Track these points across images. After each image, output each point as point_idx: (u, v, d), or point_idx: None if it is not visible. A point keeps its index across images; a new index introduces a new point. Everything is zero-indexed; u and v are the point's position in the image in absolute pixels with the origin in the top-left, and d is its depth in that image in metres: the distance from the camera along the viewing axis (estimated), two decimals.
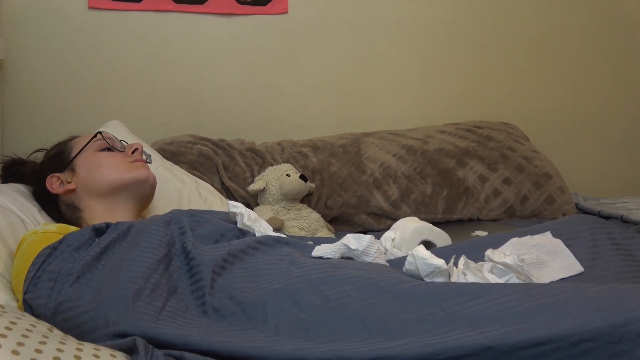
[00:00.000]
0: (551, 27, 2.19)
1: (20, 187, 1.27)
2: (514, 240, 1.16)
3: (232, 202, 1.15)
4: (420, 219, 1.67)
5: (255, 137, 1.86)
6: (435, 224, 1.56)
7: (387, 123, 2.03)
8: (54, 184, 1.22)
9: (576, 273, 1.11)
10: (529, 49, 2.18)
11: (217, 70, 1.94)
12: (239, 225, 1.12)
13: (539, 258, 1.12)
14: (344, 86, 2.04)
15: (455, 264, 1.04)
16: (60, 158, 1.26)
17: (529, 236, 1.18)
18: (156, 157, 1.49)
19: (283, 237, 1.05)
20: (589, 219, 1.24)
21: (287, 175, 1.58)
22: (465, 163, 1.80)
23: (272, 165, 1.68)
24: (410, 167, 1.76)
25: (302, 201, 1.65)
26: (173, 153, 1.61)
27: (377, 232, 1.53)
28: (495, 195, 1.76)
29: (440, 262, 0.95)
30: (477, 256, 1.07)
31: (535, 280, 1.03)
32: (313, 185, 1.66)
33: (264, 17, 1.95)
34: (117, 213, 1.18)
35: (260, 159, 1.72)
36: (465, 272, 1.01)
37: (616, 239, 1.20)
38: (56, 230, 1.06)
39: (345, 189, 1.69)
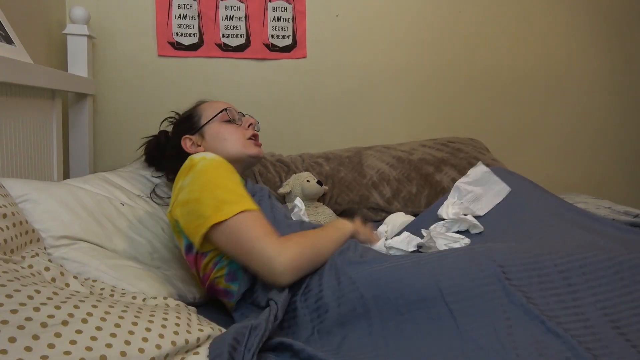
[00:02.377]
0: (505, 65, 2.23)
1: (105, 175, 1.29)
2: (456, 185, 1.18)
3: (298, 199, 1.24)
4: (407, 212, 1.73)
5: (282, 151, 1.91)
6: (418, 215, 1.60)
7: (383, 139, 2.08)
8: (187, 144, 1.22)
9: (506, 194, 1.13)
10: (488, 82, 2.22)
11: (254, 101, 1.98)
12: (294, 217, 1.18)
13: (475, 193, 1.14)
14: (349, 112, 2.09)
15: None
16: (191, 122, 1.25)
17: (464, 177, 1.20)
18: None
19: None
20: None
21: (307, 181, 1.59)
22: (441, 169, 1.82)
23: (295, 172, 1.70)
24: (400, 172, 1.79)
25: (318, 200, 1.67)
26: None
27: (376, 222, 1.56)
28: None
29: (407, 248, 1.07)
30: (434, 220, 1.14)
31: (477, 212, 1.08)
32: (326, 187, 1.69)
33: (289, 61, 1.99)
34: None
35: (286, 167, 1.75)
36: (434, 240, 1.05)
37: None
38: (219, 160, 1.03)
39: (350, 189, 1.72)
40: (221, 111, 1.23)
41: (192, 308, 0.88)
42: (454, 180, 1.78)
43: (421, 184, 1.77)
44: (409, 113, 2.15)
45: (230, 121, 1.23)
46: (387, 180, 1.75)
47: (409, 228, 1.23)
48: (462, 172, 1.81)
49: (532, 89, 2.26)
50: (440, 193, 1.76)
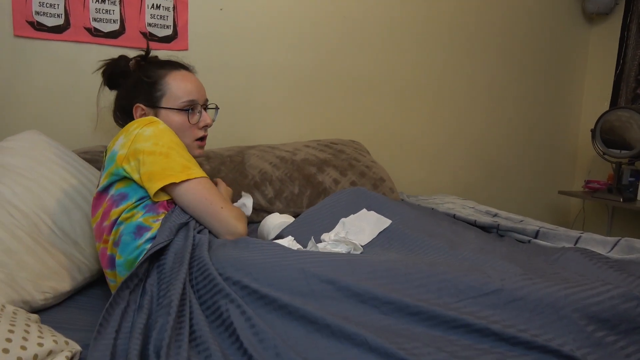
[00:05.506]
0: (387, 72, 2.35)
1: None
2: (342, 220, 1.27)
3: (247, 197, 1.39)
4: (290, 212, 1.74)
5: None
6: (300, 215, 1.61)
7: (266, 139, 2.08)
8: (138, 113, 1.24)
9: (387, 225, 1.27)
10: (370, 89, 2.32)
11: None
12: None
13: (359, 227, 1.25)
14: (233, 109, 2.05)
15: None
16: (152, 93, 1.25)
17: (352, 215, 1.30)
18: None
19: None
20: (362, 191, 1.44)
21: None
22: (323, 170, 1.87)
23: None
24: (283, 172, 1.80)
25: None
26: (89, 160, 1.54)
27: (257, 224, 1.55)
28: None
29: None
30: (313, 228, 1.22)
31: (358, 242, 1.17)
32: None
33: (168, 52, 1.91)
34: None
35: None
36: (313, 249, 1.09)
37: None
38: (169, 129, 1.14)
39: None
40: (186, 109, 1.25)
41: (34, 316, 0.80)
42: (336, 182, 1.85)
43: (303, 185, 1.79)
44: (294, 113, 2.18)
45: (188, 114, 1.26)
46: (269, 180, 1.75)
47: (291, 232, 1.25)
48: (344, 173, 1.88)
49: (412, 97, 2.42)
50: (322, 193, 1.81)
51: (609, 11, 2.67)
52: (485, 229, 1.66)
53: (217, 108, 1.41)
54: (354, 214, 1.34)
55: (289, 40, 2.13)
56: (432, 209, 1.86)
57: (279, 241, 1.08)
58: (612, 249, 1.48)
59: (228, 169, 1.73)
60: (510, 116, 2.66)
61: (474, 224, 1.68)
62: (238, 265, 0.88)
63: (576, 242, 1.53)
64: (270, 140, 2.06)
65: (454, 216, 1.74)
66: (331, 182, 1.84)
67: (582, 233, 1.60)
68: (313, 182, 1.81)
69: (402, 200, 2.01)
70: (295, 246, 1.08)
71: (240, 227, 1.09)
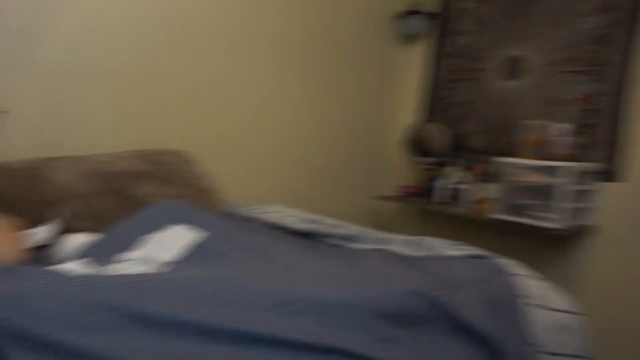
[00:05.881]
0: (217, 79, 2.31)
1: None
2: (147, 236, 1.24)
3: None
4: (101, 231, 1.60)
5: None
6: None
7: (81, 150, 1.85)
8: None
9: (199, 239, 1.23)
10: (199, 96, 2.25)
11: None
12: None
13: (165, 244, 1.21)
14: (39, 115, 1.81)
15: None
16: None
17: (159, 232, 1.27)
18: None
19: None
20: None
21: None
22: (141, 183, 1.76)
23: None
24: (92, 186, 1.65)
25: None
26: None
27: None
28: None
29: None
30: (116, 247, 1.10)
31: (163, 259, 1.12)
32: None
33: None
34: None
35: None
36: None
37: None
38: None
39: (20, 210, 1.46)
40: None
41: None
42: (155, 195, 1.78)
43: (117, 199, 1.68)
44: (115, 120, 2.01)
45: None
46: (75, 195, 1.61)
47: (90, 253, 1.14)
48: (165, 186, 1.83)
49: (240, 105, 2.40)
50: (140, 208, 1.67)
51: (421, 34, 3.00)
52: (304, 235, 1.74)
53: (4, 112, 1.21)
54: (165, 228, 1.28)
55: (111, 43, 1.95)
56: (253, 219, 1.87)
57: (64, 265, 0.98)
58: (413, 248, 1.66)
59: (20, 186, 1.54)
60: (331, 129, 2.82)
61: (293, 232, 1.74)
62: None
63: (384, 244, 1.69)
64: (87, 151, 1.85)
65: (275, 226, 1.78)
66: (150, 195, 1.74)
67: (390, 235, 1.76)
68: (128, 196, 1.70)
69: (225, 212, 1.99)
70: (86, 269, 0.98)
71: (7, 253, 0.95)
